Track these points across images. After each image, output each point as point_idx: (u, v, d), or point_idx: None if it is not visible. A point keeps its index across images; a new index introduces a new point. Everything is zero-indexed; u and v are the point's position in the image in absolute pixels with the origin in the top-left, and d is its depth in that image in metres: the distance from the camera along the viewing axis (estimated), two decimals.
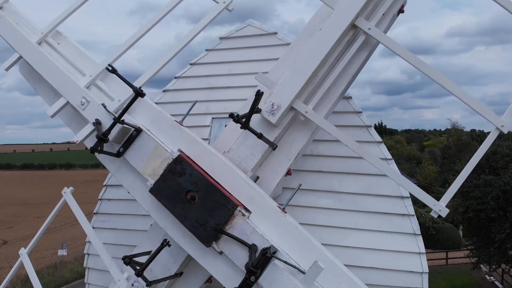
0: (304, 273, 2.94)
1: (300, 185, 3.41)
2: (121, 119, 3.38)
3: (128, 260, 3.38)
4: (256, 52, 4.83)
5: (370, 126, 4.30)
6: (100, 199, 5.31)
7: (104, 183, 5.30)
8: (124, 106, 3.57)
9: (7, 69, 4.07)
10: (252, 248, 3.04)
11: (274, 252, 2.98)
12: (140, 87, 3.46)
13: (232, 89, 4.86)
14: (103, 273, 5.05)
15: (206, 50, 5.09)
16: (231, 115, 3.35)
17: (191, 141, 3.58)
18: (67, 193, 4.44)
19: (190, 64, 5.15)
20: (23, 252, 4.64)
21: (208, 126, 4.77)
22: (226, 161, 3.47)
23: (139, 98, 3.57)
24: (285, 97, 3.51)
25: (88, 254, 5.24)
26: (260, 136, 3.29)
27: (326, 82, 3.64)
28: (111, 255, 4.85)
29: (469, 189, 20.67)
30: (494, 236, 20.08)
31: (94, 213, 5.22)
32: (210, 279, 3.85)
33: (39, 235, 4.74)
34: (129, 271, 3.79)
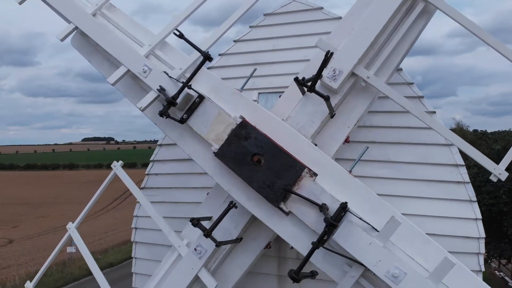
0: (377, 231, 2.98)
1: (367, 147, 3.45)
2: (189, 83, 3.42)
3: (196, 222, 3.42)
4: (301, 27, 4.87)
5: (422, 97, 4.36)
6: (147, 174, 5.35)
7: (151, 158, 5.35)
8: (190, 72, 3.63)
9: (62, 39, 4.10)
10: (323, 207, 3.08)
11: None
12: (207, 51, 3.49)
13: (277, 64, 4.90)
14: (150, 247, 5.10)
15: (250, 26, 5.15)
16: (296, 79, 3.38)
17: (253, 107, 3.63)
18: (117, 167, 4.48)
19: (234, 41, 5.20)
20: (71, 226, 4.68)
21: (255, 101, 4.81)
22: (288, 126, 3.51)
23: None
24: (347, 62, 3.54)
25: (136, 228, 5.28)
26: (327, 98, 3.32)
27: (386, 49, 3.67)
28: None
29: (481, 183, 20.67)
30: (506, 230, 20.08)
31: (141, 188, 5.26)
32: (269, 245, 3.90)
33: (86, 210, 4.77)
34: (189, 237, 3.85)
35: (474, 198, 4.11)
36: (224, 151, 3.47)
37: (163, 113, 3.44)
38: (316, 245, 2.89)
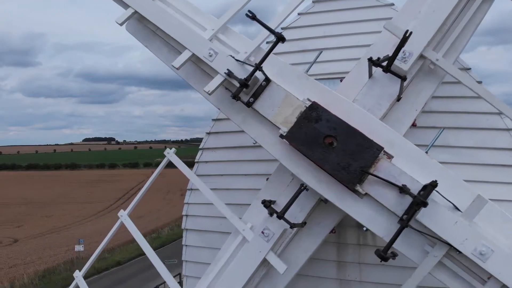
0: (460, 211, 2.97)
1: (443, 129, 3.44)
2: (260, 66, 3.41)
3: (268, 204, 3.41)
4: (353, 13, 4.87)
5: (480, 82, 4.35)
6: (197, 162, 5.34)
7: (200, 147, 5.34)
8: (254, 55, 3.63)
9: (121, 24, 4.09)
10: (404, 188, 3.06)
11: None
12: (281, 33, 3.48)
13: (328, 51, 4.88)
14: (201, 234, 5.09)
15: (298, 14, 5.14)
16: (370, 59, 3.37)
17: (321, 90, 3.61)
18: (170, 153, 4.46)
19: (282, 28, 5.18)
20: (123, 213, 4.65)
21: None
22: (360, 108, 3.49)
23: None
24: (417, 44, 3.52)
25: (187, 216, 5.27)
26: (404, 78, 3.31)
27: (455, 31, 3.66)
28: (214, 215, 4.90)
29: None
30: None
31: None
32: (334, 230, 3.88)
33: (138, 199, 4.73)
34: (251, 221, 3.83)
35: None
36: (294, 133, 3.44)
37: (235, 95, 3.42)
38: (405, 224, 2.88)
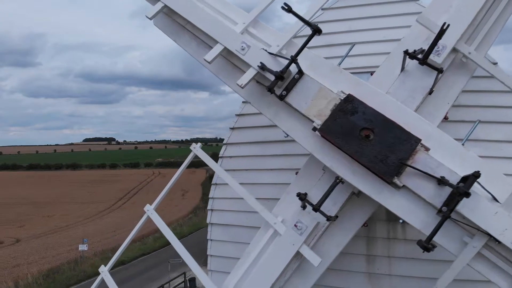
0: (499, 202, 2.98)
1: (478, 121, 3.45)
2: (296, 58, 3.42)
3: (304, 196, 3.41)
4: (379, 8, 4.88)
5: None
6: (221, 157, 5.35)
7: (224, 142, 5.35)
8: (287, 48, 3.64)
9: (151, 18, 4.10)
10: (443, 180, 3.07)
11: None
12: (317, 25, 3.48)
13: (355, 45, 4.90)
14: (227, 228, 5.09)
15: (322, 9, 5.14)
16: (406, 52, 3.38)
17: (355, 82, 3.62)
18: (196, 148, 4.46)
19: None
20: (150, 208, 4.65)
21: None
22: (395, 100, 3.50)
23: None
24: (450, 38, 3.53)
25: (212, 210, 5.29)
26: (441, 71, 3.32)
27: (486, 24, 3.68)
28: (240, 209, 4.91)
29: None
30: None
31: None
32: (366, 223, 3.89)
33: (164, 194, 4.72)
34: (282, 214, 3.83)
35: None
36: (329, 126, 3.45)
37: (270, 88, 3.43)
38: (448, 215, 2.89)
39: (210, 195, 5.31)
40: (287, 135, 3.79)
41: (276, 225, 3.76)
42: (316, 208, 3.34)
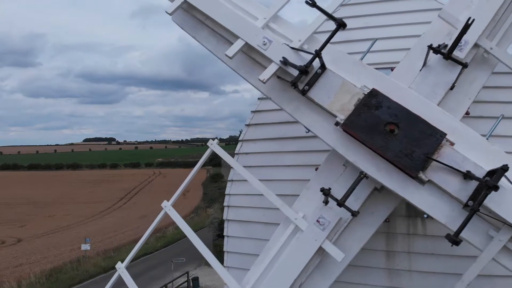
0: None
1: (502, 115, 3.44)
2: (320, 52, 3.42)
3: (327, 191, 3.41)
4: (396, 4, 4.89)
5: None
6: (237, 153, 5.34)
7: (240, 138, 5.35)
8: (308, 43, 3.63)
9: (171, 14, 4.09)
10: (469, 174, 3.06)
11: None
12: (342, 19, 3.48)
13: (370, 42, 4.89)
14: (244, 224, 5.09)
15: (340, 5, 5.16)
16: (431, 47, 3.38)
17: (378, 77, 3.62)
18: (213, 144, 4.46)
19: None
20: (167, 204, 4.63)
21: None
22: (418, 95, 3.50)
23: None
24: (472, 33, 3.52)
25: (228, 207, 5.29)
26: (466, 65, 3.32)
27: (508, 20, 3.68)
28: (257, 205, 4.91)
29: None
30: None
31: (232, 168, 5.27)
32: (387, 219, 3.88)
33: (181, 190, 4.70)
34: (303, 210, 3.82)
35: None
36: (352, 121, 3.44)
37: (294, 83, 3.43)
38: (477, 208, 2.88)
39: (226, 192, 5.31)
40: (308, 131, 3.78)
41: (298, 221, 3.75)
42: (341, 203, 3.33)
